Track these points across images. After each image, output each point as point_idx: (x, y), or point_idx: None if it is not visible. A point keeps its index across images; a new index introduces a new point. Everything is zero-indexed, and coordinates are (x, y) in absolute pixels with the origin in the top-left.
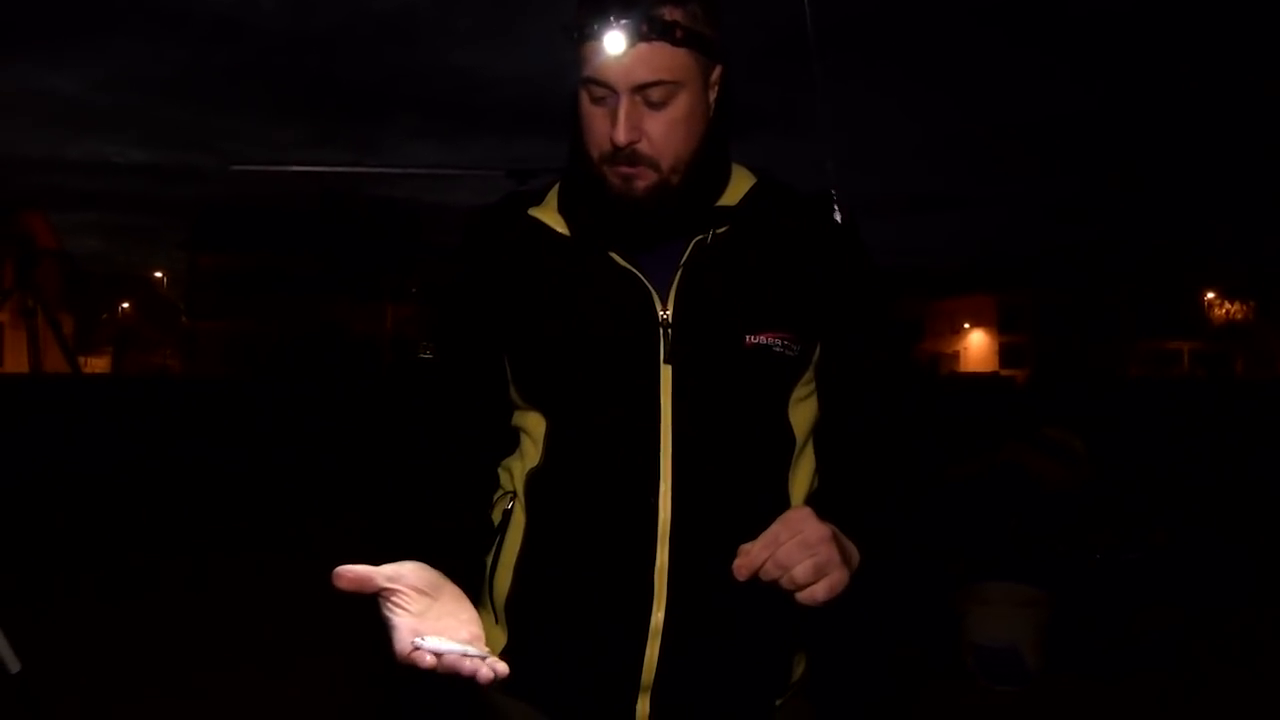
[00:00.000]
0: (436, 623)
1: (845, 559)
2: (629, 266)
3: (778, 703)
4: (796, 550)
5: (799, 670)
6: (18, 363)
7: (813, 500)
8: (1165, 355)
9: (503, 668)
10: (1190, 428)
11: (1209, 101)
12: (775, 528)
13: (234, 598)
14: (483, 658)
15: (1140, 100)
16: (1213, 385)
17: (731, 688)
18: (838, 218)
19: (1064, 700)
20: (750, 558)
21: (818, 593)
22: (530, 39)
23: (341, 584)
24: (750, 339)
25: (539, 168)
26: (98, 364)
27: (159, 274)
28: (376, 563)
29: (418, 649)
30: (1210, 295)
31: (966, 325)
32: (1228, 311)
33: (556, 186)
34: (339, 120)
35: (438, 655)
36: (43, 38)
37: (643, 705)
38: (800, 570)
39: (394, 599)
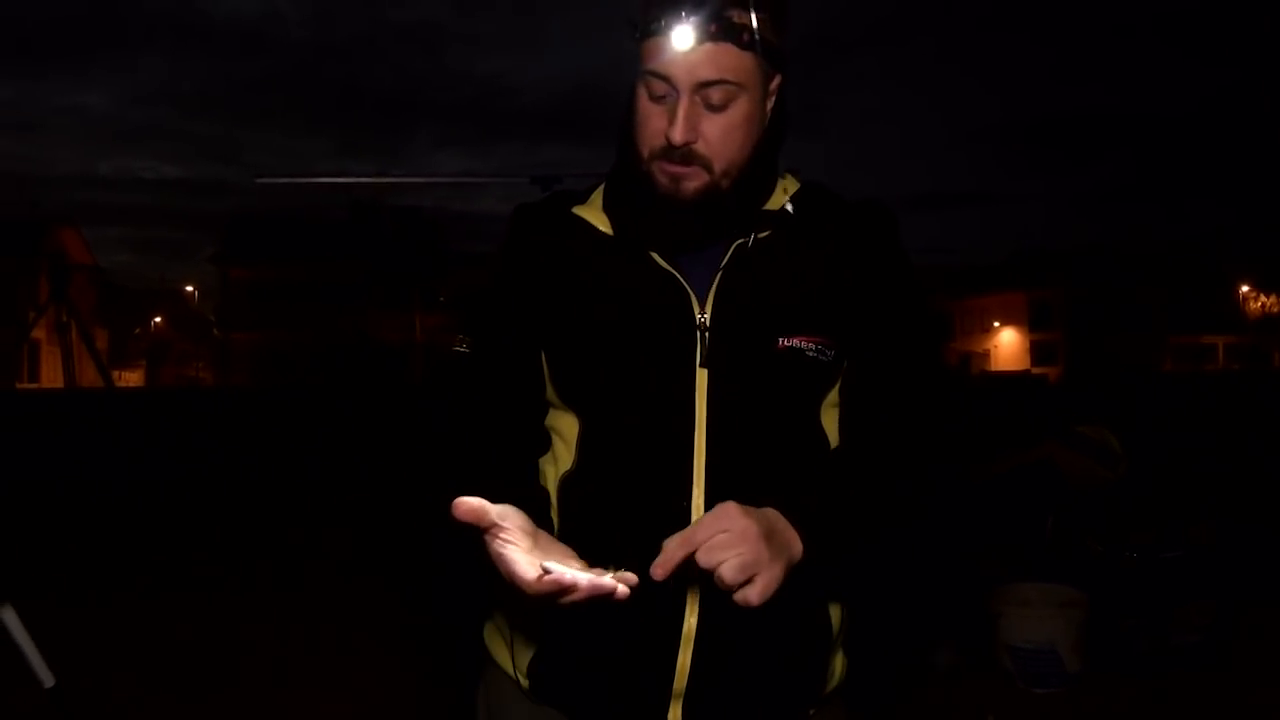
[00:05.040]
0: (545, 556)
1: (780, 552)
2: (669, 268)
3: (811, 711)
4: (719, 548)
5: (836, 677)
6: (53, 378)
7: (789, 492)
8: (1200, 350)
9: (631, 577)
10: (1227, 422)
11: (1241, 93)
12: (695, 525)
13: (271, 610)
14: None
15: (1170, 94)
16: (1248, 379)
17: (764, 695)
18: (885, 227)
19: (1104, 702)
20: (666, 555)
21: (750, 595)
22: (553, 46)
23: (460, 514)
24: (783, 342)
25: (563, 173)
26: (131, 377)
27: (190, 287)
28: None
29: (548, 573)
30: (1245, 288)
31: (997, 323)
32: (1263, 304)
33: (601, 186)
34: (365, 130)
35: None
36: (72, 56)
37: (674, 712)
38: (726, 569)
39: (503, 535)
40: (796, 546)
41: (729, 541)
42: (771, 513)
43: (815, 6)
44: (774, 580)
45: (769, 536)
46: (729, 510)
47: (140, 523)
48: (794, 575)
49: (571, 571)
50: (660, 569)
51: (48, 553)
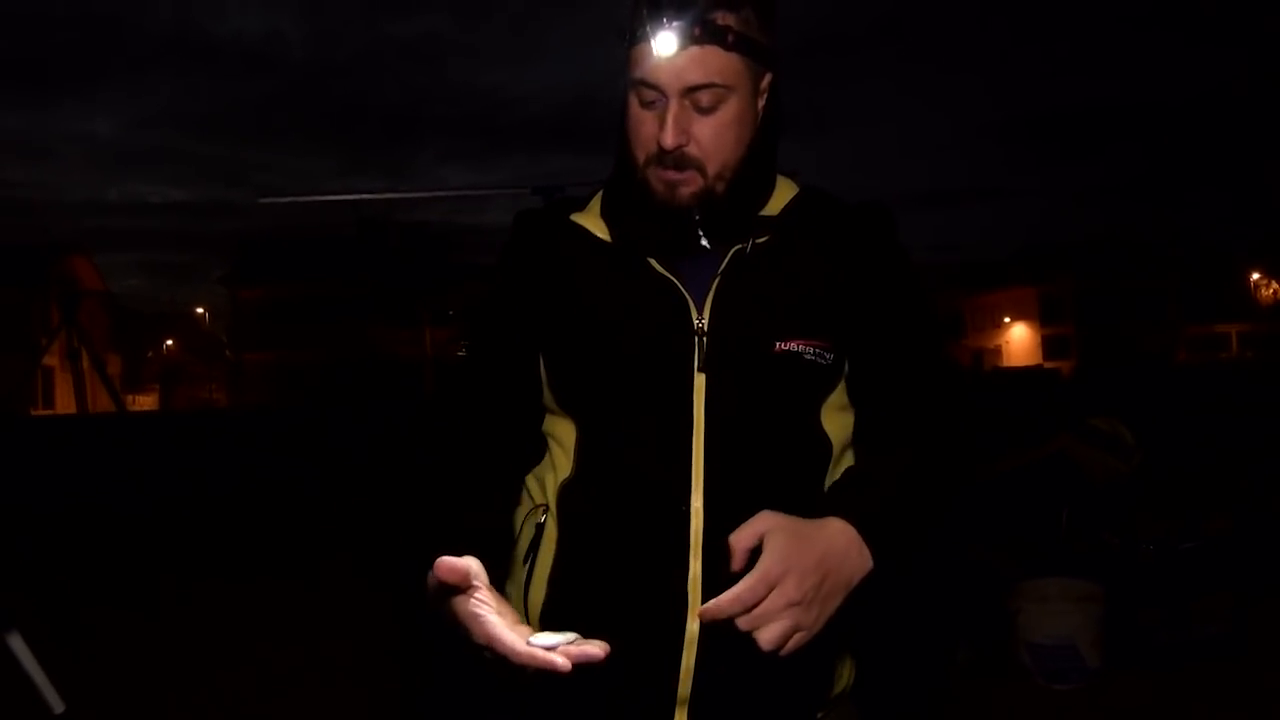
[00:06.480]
0: (504, 619)
1: (830, 598)
2: (666, 274)
3: (819, 715)
4: (764, 616)
5: (844, 680)
6: (67, 404)
7: (838, 494)
8: (1213, 339)
9: (598, 654)
10: (1243, 411)
11: (1246, 79)
12: (755, 577)
13: (284, 629)
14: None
15: (1173, 82)
16: (1263, 367)
17: (770, 699)
18: (883, 229)
19: (1125, 696)
20: (718, 610)
21: (780, 651)
22: (553, 56)
23: (442, 574)
24: (780, 345)
25: (565, 183)
26: (145, 401)
27: (201, 309)
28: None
29: (531, 646)
30: (1255, 276)
31: (1008, 319)
32: (1274, 292)
33: (600, 193)
34: (370, 147)
35: (550, 649)
36: (78, 83)
37: (680, 718)
38: (766, 634)
39: (478, 595)
40: (860, 572)
41: (775, 611)
42: (837, 539)
43: (816, 6)
44: (810, 636)
45: (821, 587)
46: (782, 570)
47: (154, 546)
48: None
49: (546, 642)
50: (708, 617)
51: (60, 578)
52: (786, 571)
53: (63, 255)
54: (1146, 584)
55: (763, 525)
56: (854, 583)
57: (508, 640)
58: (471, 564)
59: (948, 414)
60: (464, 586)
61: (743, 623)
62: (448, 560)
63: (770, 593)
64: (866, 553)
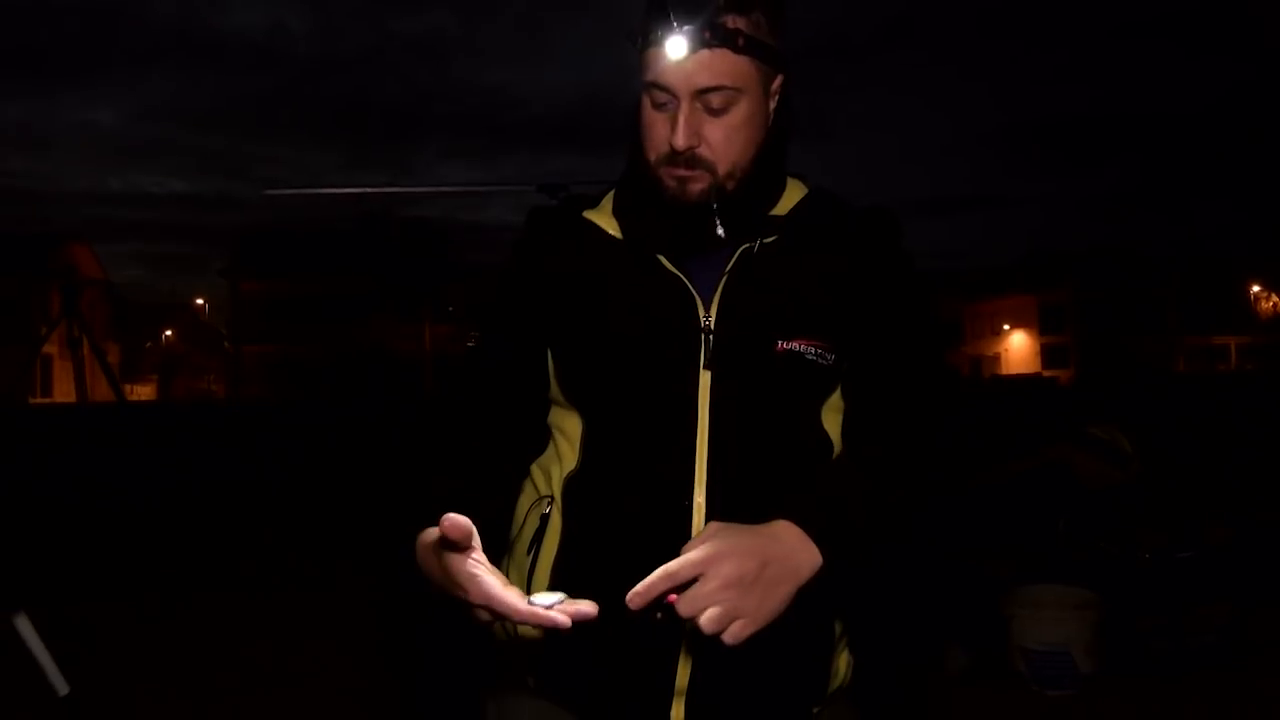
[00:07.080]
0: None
1: (775, 586)
2: (675, 271)
3: (816, 710)
4: (701, 598)
5: (840, 677)
6: (66, 392)
7: (787, 497)
8: (1212, 351)
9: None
10: (1241, 423)
11: (1248, 92)
12: (681, 561)
13: (281, 619)
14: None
15: (1176, 94)
16: (1262, 378)
17: (767, 694)
18: (888, 233)
19: (1118, 704)
20: (647, 588)
21: (724, 637)
22: (557, 57)
23: (446, 530)
24: (782, 345)
25: (570, 181)
26: (144, 391)
27: (201, 300)
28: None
29: (534, 605)
30: (1256, 288)
31: (1007, 327)
32: (1274, 304)
33: (612, 192)
34: (373, 143)
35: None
36: (81, 74)
37: (677, 710)
38: (705, 621)
39: (475, 555)
40: (808, 565)
41: (712, 593)
42: (782, 534)
43: (819, 12)
44: (755, 624)
45: (761, 572)
46: (719, 552)
47: (152, 535)
48: (807, 587)
49: (545, 601)
50: (639, 599)
51: (60, 564)
52: (724, 555)
53: (64, 244)
54: (1144, 592)
55: (710, 530)
56: (802, 575)
57: (508, 599)
58: (471, 526)
59: (927, 416)
60: (464, 546)
61: (681, 607)
62: (453, 516)
63: (705, 574)
64: (814, 548)
